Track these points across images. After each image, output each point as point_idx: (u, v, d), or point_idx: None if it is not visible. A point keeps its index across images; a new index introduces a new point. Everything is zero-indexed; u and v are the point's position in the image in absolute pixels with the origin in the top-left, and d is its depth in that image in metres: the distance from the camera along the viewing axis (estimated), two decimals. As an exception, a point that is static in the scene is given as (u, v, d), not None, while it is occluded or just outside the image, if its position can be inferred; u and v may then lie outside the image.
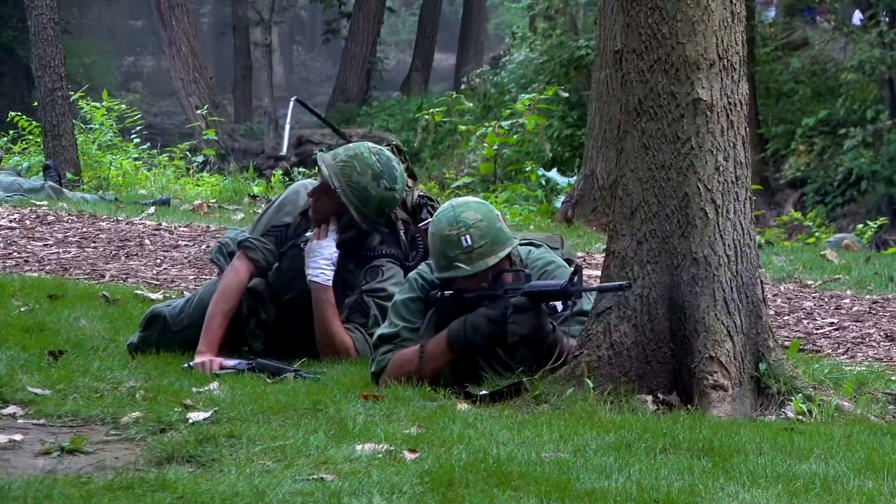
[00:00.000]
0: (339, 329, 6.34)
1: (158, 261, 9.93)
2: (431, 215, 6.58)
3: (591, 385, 5.48)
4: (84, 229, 11.26)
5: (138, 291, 8.25)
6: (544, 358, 5.68)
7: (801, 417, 5.43)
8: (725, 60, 5.61)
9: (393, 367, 5.82)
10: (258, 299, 6.46)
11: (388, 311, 6.06)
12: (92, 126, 17.44)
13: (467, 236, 5.79)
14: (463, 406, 5.46)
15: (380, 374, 5.86)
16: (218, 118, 24.57)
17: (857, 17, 23.12)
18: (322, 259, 6.34)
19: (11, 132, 18.50)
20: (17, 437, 5.00)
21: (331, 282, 6.33)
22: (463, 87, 26.45)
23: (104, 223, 11.63)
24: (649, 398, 5.50)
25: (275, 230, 6.50)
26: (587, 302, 5.90)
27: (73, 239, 10.81)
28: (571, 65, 24.38)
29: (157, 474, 4.44)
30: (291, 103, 7.17)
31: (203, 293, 6.58)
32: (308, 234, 6.41)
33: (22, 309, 7.47)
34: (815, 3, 25.13)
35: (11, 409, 5.42)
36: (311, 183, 6.61)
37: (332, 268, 6.34)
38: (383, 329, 5.96)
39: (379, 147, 6.53)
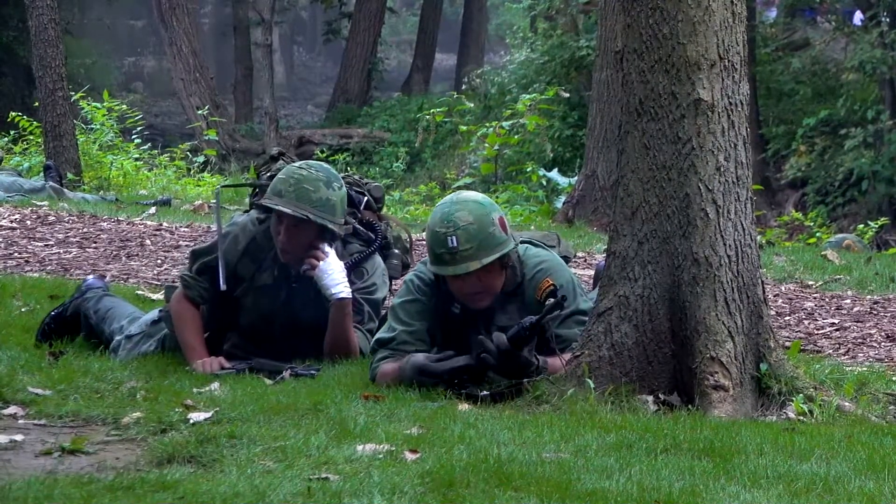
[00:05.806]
0: (353, 337, 6.36)
1: (159, 261, 9.92)
2: (362, 193, 6.59)
3: (592, 385, 5.48)
4: (85, 230, 11.26)
5: (139, 292, 8.24)
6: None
7: (801, 418, 5.43)
8: (726, 61, 5.61)
9: (380, 379, 5.82)
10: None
11: (388, 314, 6.06)
12: (93, 126, 17.43)
13: (454, 237, 5.75)
14: (464, 406, 5.45)
15: (373, 381, 5.86)
16: (219, 118, 24.57)
17: (858, 17, 23.11)
18: (337, 274, 6.26)
19: (12, 132, 18.49)
20: (18, 437, 5.00)
21: (350, 294, 6.31)
22: (464, 87, 26.44)
23: (105, 223, 11.63)
24: (650, 398, 5.50)
25: (209, 269, 6.40)
26: (585, 302, 5.90)
27: (74, 239, 10.80)
28: (572, 65, 24.37)
29: (157, 475, 4.44)
30: (217, 195, 6.92)
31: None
32: (304, 266, 6.30)
33: (23, 309, 7.48)
34: (815, 4, 25.11)
35: (12, 409, 5.42)
36: (246, 221, 6.50)
37: (346, 279, 6.31)
38: (381, 333, 5.95)
39: (301, 161, 6.48)
